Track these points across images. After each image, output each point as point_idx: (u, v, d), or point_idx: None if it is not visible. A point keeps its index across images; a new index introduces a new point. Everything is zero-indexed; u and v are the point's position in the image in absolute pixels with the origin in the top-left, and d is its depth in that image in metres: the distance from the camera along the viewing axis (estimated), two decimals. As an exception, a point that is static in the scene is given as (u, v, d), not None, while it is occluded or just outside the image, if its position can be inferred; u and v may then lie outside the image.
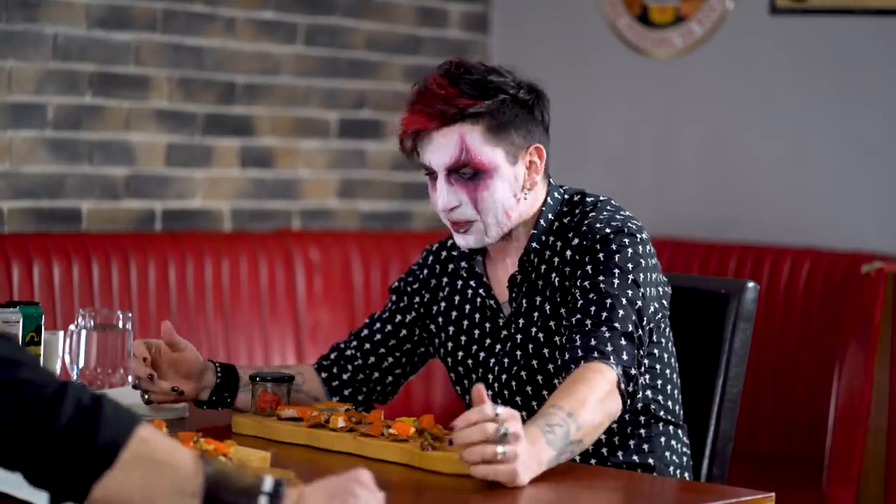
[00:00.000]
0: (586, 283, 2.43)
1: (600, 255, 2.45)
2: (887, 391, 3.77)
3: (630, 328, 2.37)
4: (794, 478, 4.06)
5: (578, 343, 2.35)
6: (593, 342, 2.34)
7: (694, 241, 4.60)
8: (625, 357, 2.34)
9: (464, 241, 2.54)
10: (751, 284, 2.76)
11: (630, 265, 2.44)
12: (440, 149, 2.48)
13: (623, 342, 2.35)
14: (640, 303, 2.41)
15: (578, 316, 2.40)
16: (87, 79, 4.17)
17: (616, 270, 2.43)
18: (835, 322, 4.17)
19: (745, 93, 4.66)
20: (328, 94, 4.77)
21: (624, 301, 2.39)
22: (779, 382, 4.31)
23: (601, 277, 2.42)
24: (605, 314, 2.38)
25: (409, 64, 4.98)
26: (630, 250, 2.45)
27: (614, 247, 2.45)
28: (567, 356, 2.35)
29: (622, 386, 2.31)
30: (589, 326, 2.37)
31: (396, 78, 4.95)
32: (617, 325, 2.36)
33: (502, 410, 2.07)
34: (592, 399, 2.24)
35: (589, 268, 2.45)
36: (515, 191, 2.51)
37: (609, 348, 2.33)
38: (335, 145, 4.80)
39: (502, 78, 2.52)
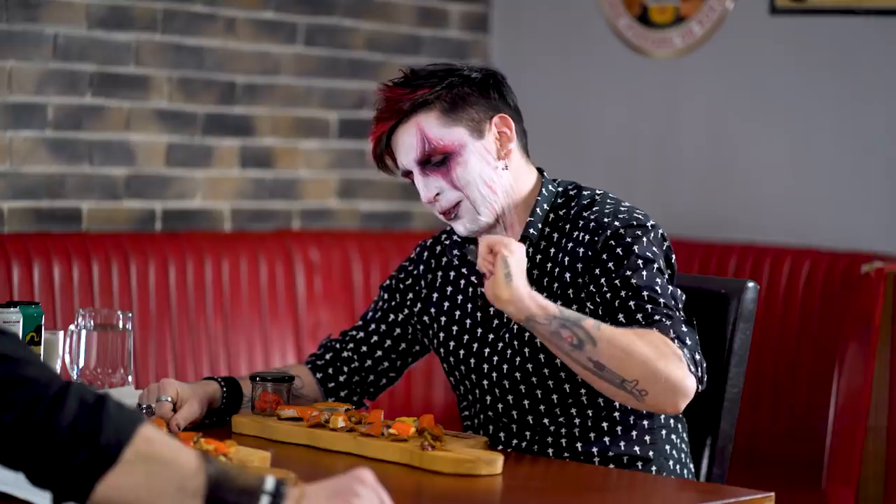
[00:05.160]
0: (616, 281, 2.44)
1: (618, 249, 2.46)
2: (887, 391, 3.77)
3: (682, 315, 2.41)
4: (794, 478, 4.06)
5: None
6: (660, 328, 2.36)
7: (694, 241, 4.59)
8: (688, 342, 2.36)
9: (461, 226, 2.56)
10: (751, 284, 2.76)
11: (649, 254, 2.46)
12: (405, 148, 2.54)
13: (684, 328, 2.38)
14: (670, 287, 2.44)
15: (622, 315, 2.40)
16: (88, 79, 4.17)
17: (639, 261, 2.44)
18: (835, 322, 4.17)
19: (745, 93, 4.66)
20: (328, 94, 4.77)
21: (658, 290, 2.42)
22: (779, 382, 4.31)
23: (628, 272, 2.43)
24: (649, 307, 2.39)
25: (408, 64, 4.95)
26: (644, 240, 2.47)
27: (629, 239, 2.46)
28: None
29: (692, 369, 2.33)
30: (644, 324, 2.38)
31: (396, 78, 4.95)
32: (670, 312, 2.38)
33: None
34: (641, 343, 2.30)
35: (611, 265, 2.45)
36: (490, 162, 2.54)
37: (672, 334, 2.35)
38: (335, 145, 4.80)
39: (448, 66, 2.59)
